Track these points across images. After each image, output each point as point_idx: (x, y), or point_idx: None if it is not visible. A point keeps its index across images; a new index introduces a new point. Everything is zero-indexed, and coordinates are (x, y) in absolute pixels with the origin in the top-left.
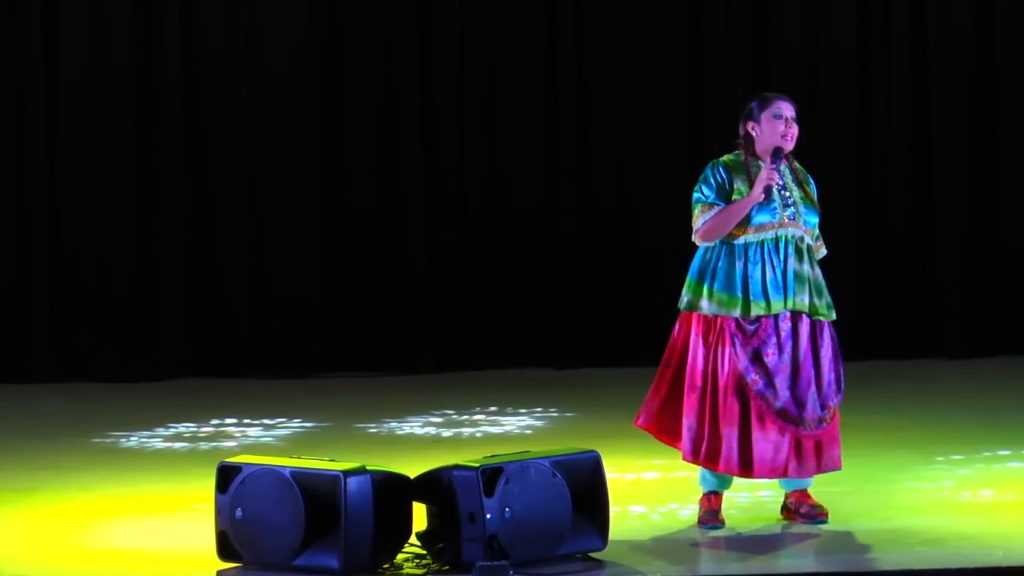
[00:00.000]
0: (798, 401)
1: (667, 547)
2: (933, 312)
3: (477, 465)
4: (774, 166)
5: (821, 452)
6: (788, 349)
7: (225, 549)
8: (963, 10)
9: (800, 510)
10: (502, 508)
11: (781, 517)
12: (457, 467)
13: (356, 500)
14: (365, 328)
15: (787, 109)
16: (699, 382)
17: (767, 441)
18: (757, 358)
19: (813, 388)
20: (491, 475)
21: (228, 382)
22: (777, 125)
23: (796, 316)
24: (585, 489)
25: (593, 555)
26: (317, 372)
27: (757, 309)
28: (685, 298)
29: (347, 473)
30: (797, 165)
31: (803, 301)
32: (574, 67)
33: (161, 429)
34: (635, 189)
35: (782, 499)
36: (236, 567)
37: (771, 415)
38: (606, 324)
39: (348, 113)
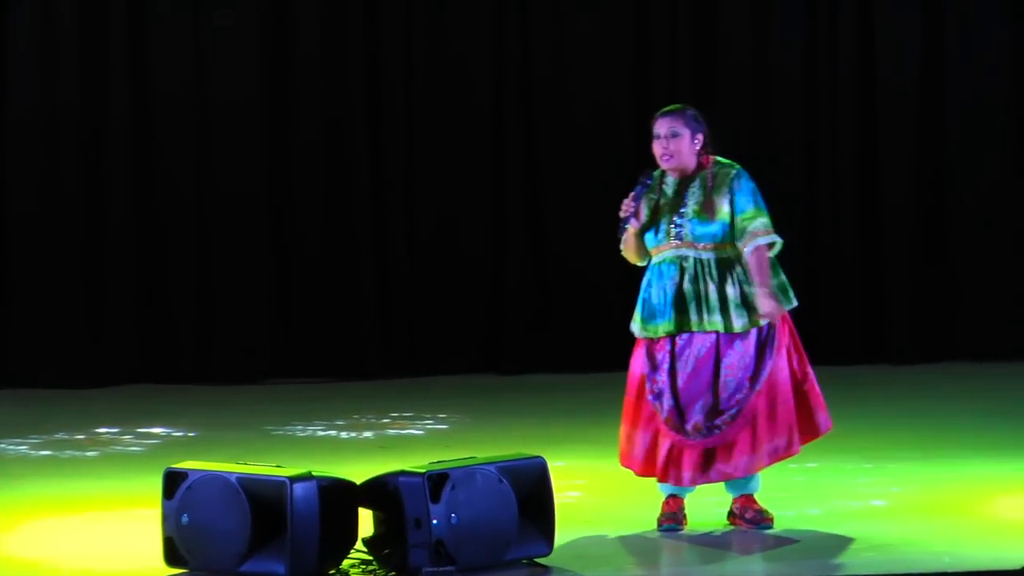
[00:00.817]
0: (681, 413)
1: (612, 553)
2: (880, 319)
3: (423, 471)
4: (631, 195)
5: (711, 463)
6: (682, 360)
7: (171, 555)
8: (912, 24)
9: (745, 515)
10: (448, 514)
11: (728, 523)
12: (403, 473)
13: (302, 506)
14: (311, 335)
15: (662, 128)
16: (627, 390)
17: (646, 442)
18: (655, 368)
19: (705, 399)
20: (437, 481)
21: (176, 388)
22: (655, 146)
23: (695, 332)
24: (531, 495)
25: (539, 561)
26: (265, 378)
27: (650, 331)
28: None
29: (293, 479)
30: (719, 170)
31: (692, 321)
32: (521, 84)
33: (105, 433)
34: (580, 200)
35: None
36: (183, 573)
37: (661, 422)
38: (551, 331)
39: (296, 125)
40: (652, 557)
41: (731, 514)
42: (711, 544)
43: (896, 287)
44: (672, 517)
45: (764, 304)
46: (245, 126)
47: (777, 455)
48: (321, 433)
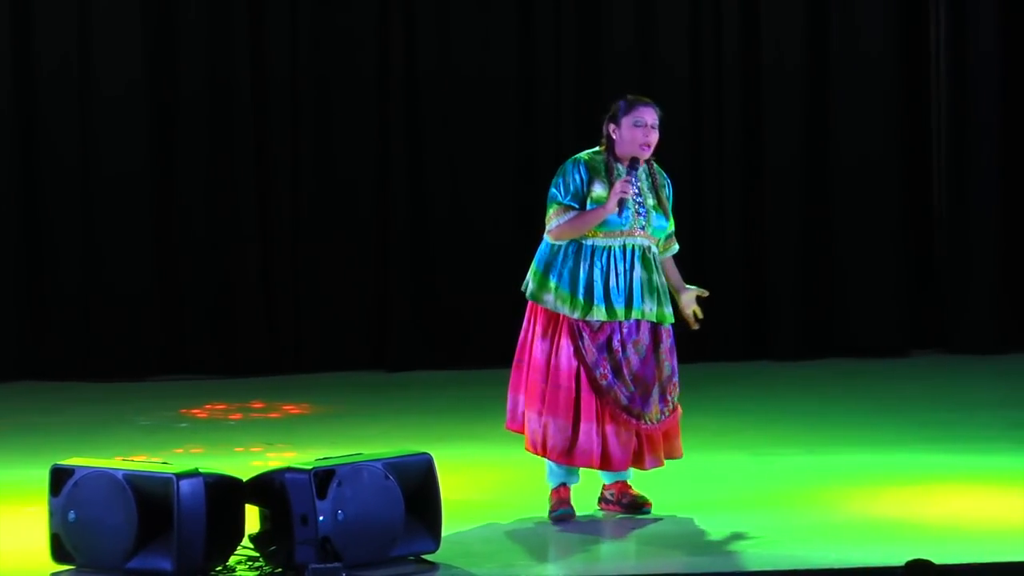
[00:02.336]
0: (642, 397)
1: (498, 548)
2: (764, 315)
3: (310, 467)
4: (629, 177)
5: (668, 441)
6: (632, 348)
7: (58, 552)
8: (795, 22)
9: (623, 501)
10: (335, 510)
11: (598, 508)
12: (290, 470)
13: (189, 503)
14: (195, 331)
15: (649, 116)
16: (539, 375)
17: (618, 434)
18: (603, 355)
19: (657, 386)
20: (324, 477)
21: (59, 385)
22: (636, 133)
23: (643, 319)
24: (418, 491)
25: (426, 557)
26: (149, 375)
27: (598, 314)
28: (530, 287)
29: (180, 476)
30: (657, 168)
31: (651, 310)
32: (406, 79)
33: None
34: (466, 195)
35: (599, 490)
36: (70, 570)
37: (619, 409)
38: (438, 328)
39: (180, 119)
40: (539, 552)
41: (603, 500)
42: (594, 533)
43: (778, 284)
44: (564, 504)
45: (689, 303)
46: (128, 102)
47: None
48: (207, 430)
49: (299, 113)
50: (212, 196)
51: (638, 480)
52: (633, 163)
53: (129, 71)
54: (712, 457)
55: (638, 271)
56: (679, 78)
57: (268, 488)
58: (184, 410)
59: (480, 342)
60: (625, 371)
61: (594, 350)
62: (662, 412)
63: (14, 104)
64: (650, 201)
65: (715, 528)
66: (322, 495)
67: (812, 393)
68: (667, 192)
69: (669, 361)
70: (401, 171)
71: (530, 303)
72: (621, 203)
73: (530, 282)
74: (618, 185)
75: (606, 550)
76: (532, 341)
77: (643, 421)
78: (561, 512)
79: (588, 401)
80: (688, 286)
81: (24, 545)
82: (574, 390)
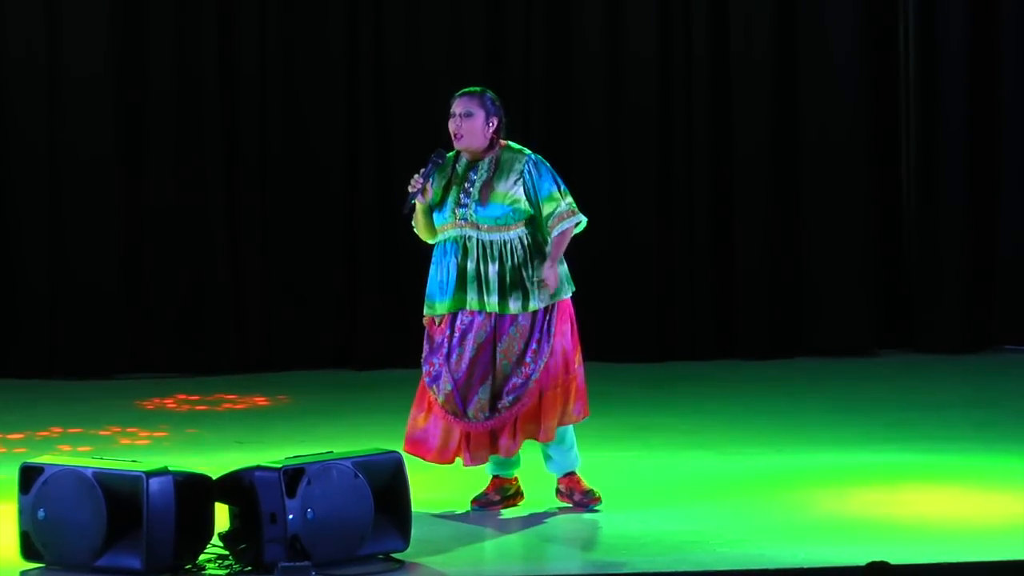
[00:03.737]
0: (463, 396)
1: (467, 547)
2: (732, 314)
3: (279, 466)
4: (421, 172)
5: (496, 441)
6: (464, 345)
7: (28, 550)
8: (763, 16)
9: (573, 496)
10: (304, 509)
11: (558, 501)
12: (259, 468)
13: (158, 501)
14: (165, 329)
15: (458, 106)
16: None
17: (437, 429)
18: (433, 351)
19: (487, 383)
20: (293, 476)
21: (25, 383)
22: (450, 124)
23: (477, 312)
24: (387, 490)
25: (395, 556)
26: (116, 373)
27: (428, 310)
28: None
29: (149, 474)
30: (507, 155)
31: (472, 300)
32: (375, 74)
33: None
34: None
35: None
36: (39, 568)
37: (437, 406)
38: (405, 326)
39: (149, 115)
40: (508, 550)
41: (559, 492)
42: (557, 535)
43: (746, 283)
44: (484, 497)
45: (548, 274)
46: (95, 96)
47: (547, 435)
48: (176, 427)
49: (267, 117)
50: (180, 197)
51: (613, 476)
52: (434, 157)
53: (93, 64)
54: (679, 456)
55: (469, 263)
56: (647, 72)
57: (237, 486)
58: (152, 408)
59: None
60: (451, 368)
61: (427, 349)
62: (491, 411)
63: None
64: (476, 189)
65: (680, 527)
66: (291, 493)
67: (780, 393)
68: (518, 176)
69: (510, 361)
70: (370, 168)
71: None
72: (413, 196)
73: None
74: (412, 180)
75: (555, 549)
76: None
77: (461, 419)
78: (476, 508)
79: (422, 395)
80: (542, 269)
81: None
82: (421, 386)
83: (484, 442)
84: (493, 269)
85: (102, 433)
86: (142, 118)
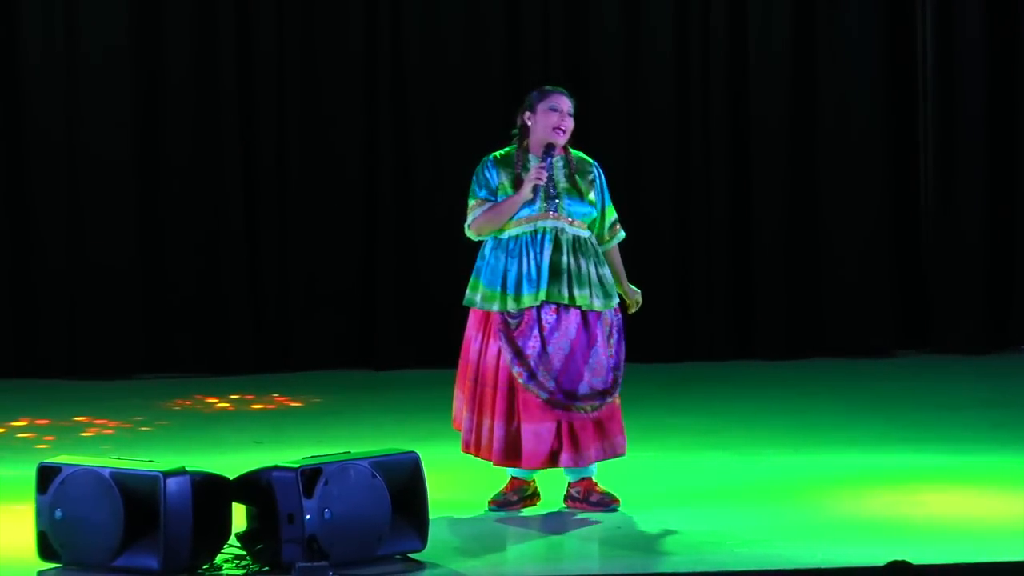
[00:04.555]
0: (567, 391)
1: (485, 548)
2: (750, 315)
3: (296, 466)
4: (543, 164)
5: (602, 437)
6: (554, 340)
7: (45, 550)
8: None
9: (590, 499)
10: (321, 509)
11: (565, 506)
12: (277, 468)
13: (175, 501)
14: (184, 329)
15: (564, 103)
16: (471, 374)
17: (535, 432)
18: (519, 352)
19: (586, 377)
20: (310, 476)
21: (42, 382)
22: (551, 117)
23: (563, 306)
24: (404, 490)
25: (412, 556)
26: (135, 373)
27: (512, 303)
28: (467, 293)
29: (167, 474)
30: (576, 156)
31: (561, 293)
32: (393, 71)
33: None
34: (452, 194)
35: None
36: (56, 568)
37: (538, 405)
38: (425, 326)
39: (167, 115)
40: (526, 551)
41: (569, 497)
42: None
43: (764, 284)
44: (503, 498)
45: (633, 292)
46: (112, 91)
47: (618, 450)
48: (194, 427)
49: (285, 116)
50: (198, 193)
51: (630, 477)
52: (548, 150)
53: (111, 60)
54: (696, 457)
55: (548, 254)
56: (665, 68)
57: (255, 486)
58: (170, 407)
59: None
60: (546, 366)
61: (509, 350)
62: (594, 403)
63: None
64: (562, 186)
65: (697, 528)
66: (309, 494)
67: (797, 393)
68: (592, 177)
69: (604, 350)
70: (389, 167)
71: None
72: (535, 189)
73: (467, 291)
74: (533, 171)
75: (574, 549)
76: (468, 342)
77: (570, 412)
78: (494, 507)
79: (501, 399)
80: (631, 287)
81: (11, 543)
82: (498, 388)
83: (586, 439)
84: (584, 264)
85: (121, 433)
86: (160, 118)
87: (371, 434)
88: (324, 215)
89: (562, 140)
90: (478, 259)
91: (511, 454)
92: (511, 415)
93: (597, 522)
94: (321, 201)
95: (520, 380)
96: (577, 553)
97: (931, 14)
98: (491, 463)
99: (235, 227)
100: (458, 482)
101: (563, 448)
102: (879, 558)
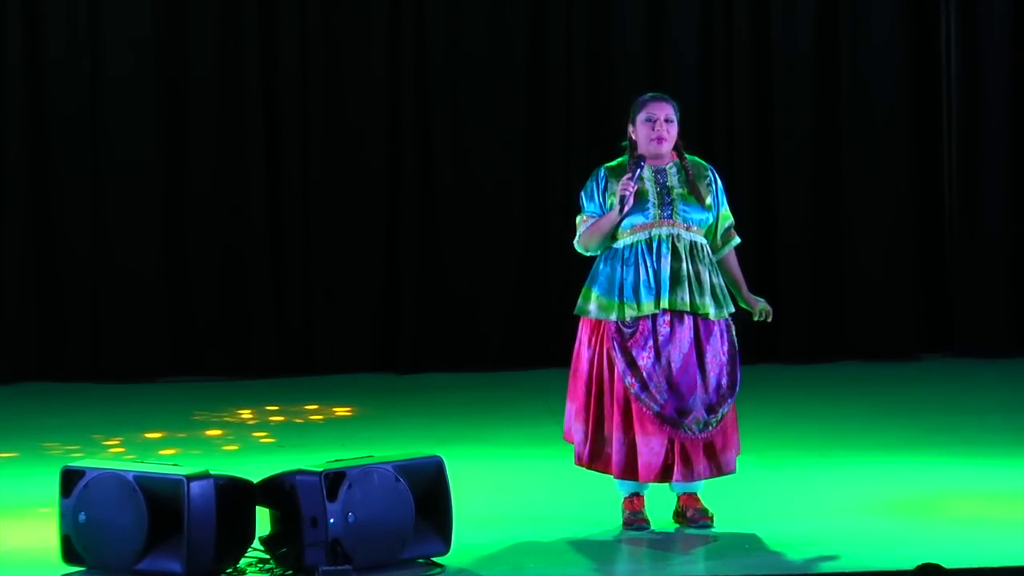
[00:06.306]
0: (679, 405)
1: (510, 551)
2: (774, 318)
3: (320, 470)
4: (630, 176)
5: (712, 456)
6: (668, 352)
7: (69, 553)
8: (806, 8)
9: (687, 514)
10: (345, 513)
11: (675, 522)
12: (300, 472)
13: (199, 504)
14: (206, 332)
15: (659, 111)
16: (584, 386)
17: (648, 444)
18: (633, 362)
19: (699, 391)
20: (334, 480)
21: (66, 386)
22: (648, 129)
23: (677, 316)
24: (428, 494)
25: (436, 559)
26: (159, 376)
27: (630, 311)
28: (578, 303)
29: (190, 478)
30: (692, 161)
31: (683, 300)
32: (417, 73)
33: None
34: (477, 199)
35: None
36: (80, 571)
37: (650, 418)
38: (449, 330)
39: (190, 120)
40: (550, 556)
41: (676, 513)
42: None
43: (788, 286)
44: (638, 516)
45: (756, 300)
46: (136, 96)
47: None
48: (218, 431)
49: (308, 119)
50: (222, 197)
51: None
52: (637, 161)
53: (134, 67)
54: (775, 461)
55: (667, 261)
56: (688, 65)
57: (278, 490)
58: (194, 412)
59: (492, 345)
60: (659, 377)
61: (622, 360)
62: (707, 423)
63: (27, 121)
64: (677, 191)
65: (720, 531)
66: (332, 497)
67: (821, 397)
68: (709, 182)
69: (721, 367)
70: (413, 169)
71: (580, 319)
72: (623, 200)
73: (579, 300)
74: (620, 185)
75: (597, 554)
76: (579, 351)
77: (680, 430)
78: (636, 525)
79: (618, 410)
80: (752, 296)
81: (35, 546)
82: (615, 400)
83: (696, 456)
84: (703, 271)
85: (145, 437)
86: (184, 121)
87: (394, 437)
88: (348, 219)
89: (664, 148)
90: (592, 268)
91: (630, 468)
92: (628, 427)
93: (619, 527)
94: (345, 205)
95: (632, 391)
96: (598, 557)
97: (955, 14)
98: (611, 476)
99: (259, 229)
100: (482, 486)
101: (675, 463)
102: (907, 562)
